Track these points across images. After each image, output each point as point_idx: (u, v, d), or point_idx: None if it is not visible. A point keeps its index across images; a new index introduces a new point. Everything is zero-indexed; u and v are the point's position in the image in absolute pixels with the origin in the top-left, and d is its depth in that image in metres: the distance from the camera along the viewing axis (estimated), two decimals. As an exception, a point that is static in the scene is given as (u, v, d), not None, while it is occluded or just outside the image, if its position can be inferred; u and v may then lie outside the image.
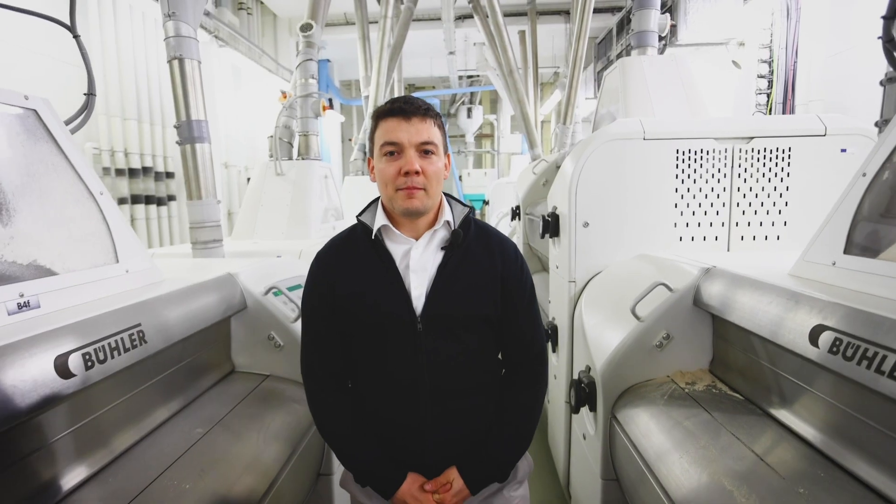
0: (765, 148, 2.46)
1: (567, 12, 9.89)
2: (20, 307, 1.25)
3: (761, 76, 5.99)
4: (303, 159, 3.99)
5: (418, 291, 1.39)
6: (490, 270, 1.44)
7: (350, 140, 10.11)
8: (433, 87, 16.63)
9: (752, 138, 2.47)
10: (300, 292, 2.26)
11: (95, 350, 1.23)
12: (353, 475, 1.51)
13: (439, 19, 9.97)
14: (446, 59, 11.48)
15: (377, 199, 1.47)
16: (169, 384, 1.69)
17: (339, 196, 4.38)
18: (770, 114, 5.79)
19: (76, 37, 1.86)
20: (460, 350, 1.43)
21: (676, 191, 2.51)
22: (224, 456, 1.53)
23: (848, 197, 1.40)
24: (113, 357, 1.29)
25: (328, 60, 13.06)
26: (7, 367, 1.02)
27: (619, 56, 8.66)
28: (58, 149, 1.47)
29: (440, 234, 1.44)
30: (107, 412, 1.38)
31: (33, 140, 1.40)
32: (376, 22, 7.18)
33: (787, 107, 5.70)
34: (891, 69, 1.50)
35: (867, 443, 1.15)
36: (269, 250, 2.97)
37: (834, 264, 1.40)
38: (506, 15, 7.76)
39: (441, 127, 1.42)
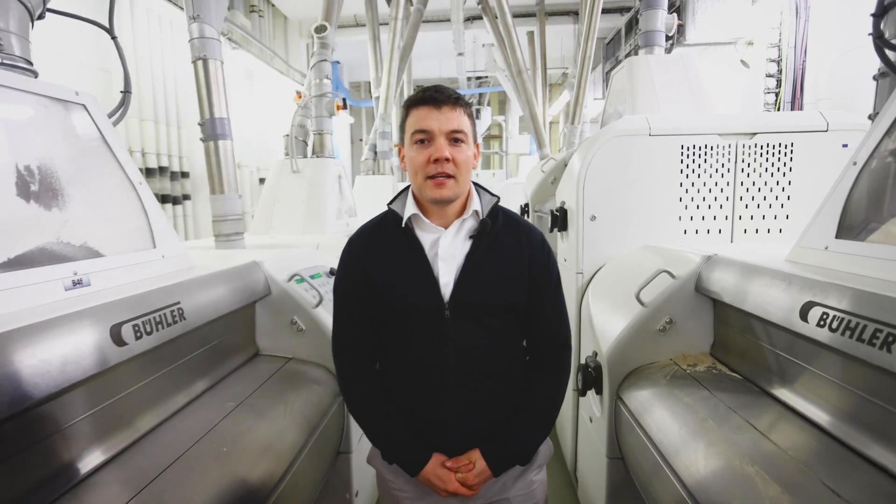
0: (768, 143, 2.55)
1: (576, 13, 9.98)
2: (74, 284, 1.36)
3: (770, 75, 6.05)
4: (318, 157, 4.11)
5: (446, 279, 1.42)
6: (517, 259, 1.46)
7: (361, 140, 10.24)
8: (442, 88, 16.75)
9: (755, 134, 2.56)
10: (321, 280, 2.38)
11: (143, 323, 1.35)
12: (381, 453, 1.55)
13: (448, 20, 10.08)
14: (455, 61, 11.58)
15: (407, 187, 1.51)
16: (199, 364, 1.80)
17: (352, 194, 4.50)
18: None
19: (114, 38, 1.98)
20: (486, 337, 1.45)
21: (681, 185, 2.61)
22: (250, 431, 1.64)
23: (840, 185, 1.49)
24: (157, 330, 1.40)
25: (338, 62, 13.21)
26: (71, 334, 1.14)
27: (627, 56, 8.75)
28: (103, 141, 1.59)
29: (469, 223, 1.47)
30: (144, 386, 1.49)
31: (83, 133, 1.52)
32: (386, 23, 7.31)
33: (796, 105, 5.77)
34: (883, 65, 1.59)
35: (853, 410, 1.24)
36: (287, 244, 3.09)
37: (827, 248, 1.50)
38: (515, 16, 7.86)
39: (471, 116, 1.44)
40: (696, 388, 1.73)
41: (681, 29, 6.27)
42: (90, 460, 1.24)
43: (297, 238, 3.44)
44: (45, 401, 1.09)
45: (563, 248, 2.98)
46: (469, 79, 15.05)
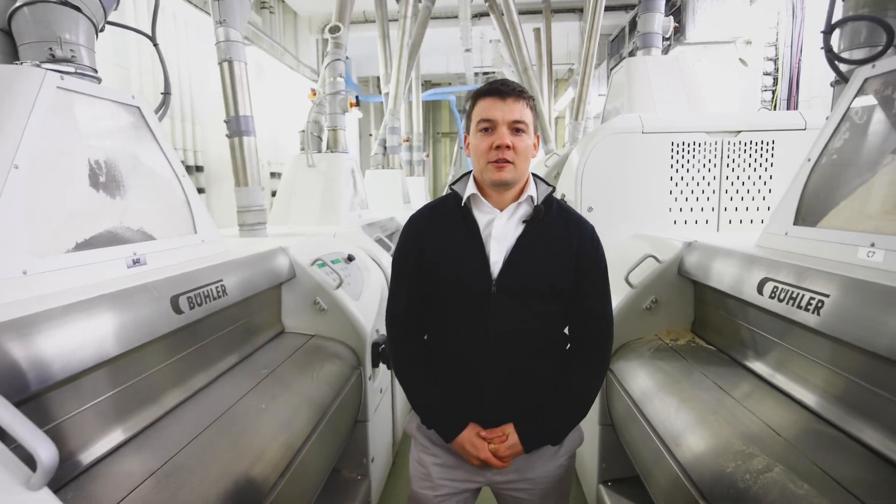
0: (751, 141, 2.75)
1: (581, 10, 10.14)
2: (134, 262, 1.59)
3: (767, 73, 6.22)
4: (332, 152, 4.33)
5: (496, 258, 1.50)
6: (566, 247, 1.52)
7: (370, 135, 10.44)
8: (449, 84, 16.93)
9: (739, 132, 2.77)
10: (340, 265, 2.61)
11: (194, 296, 1.58)
12: (420, 418, 1.64)
13: (456, 17, 10.26)
14: (463, 57, 11.76)
15: (469, 171, 1.60)
16: (234, 338, 2.03)
17: (363, 187, 4.72)
18: (775, 110, 6.03)
19: (156, 45, 2.20)
20: (528, 317, 1.51)
21: (671, 179, 2.81)
22: (281, 395, 1.86)
23: (797, 179, 1.70)
24: (205, 303, 1.63)
25: (347, 57, 13.43)
26: (141, 304, 1.37)
27: (631, 53, 8.93)
28: (153, 138, 1.81)
29: (523, 208, 1.54)
30: (184, 357, 1.71)
31: (137, 131, 1.74)
32: (395, 20, 7.51)
33: (791, 103, 5.94)
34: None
35: (792, 365, 1.46)
36: (304, 233, 3.31)
37: (787, 234, 1.70)
38: (521, 13, 8.03)
39: (533, 109, 1.51)
40: (676, 359, 1.95)
41: (681, 28, 6.43)
42: (168, 401, 1.48)
43: (313, 228, 3.67)
44: (123, 356, 1.32)
45: (563, 237, 3.19)
46: (476, 74, 15.21)
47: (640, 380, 1.94)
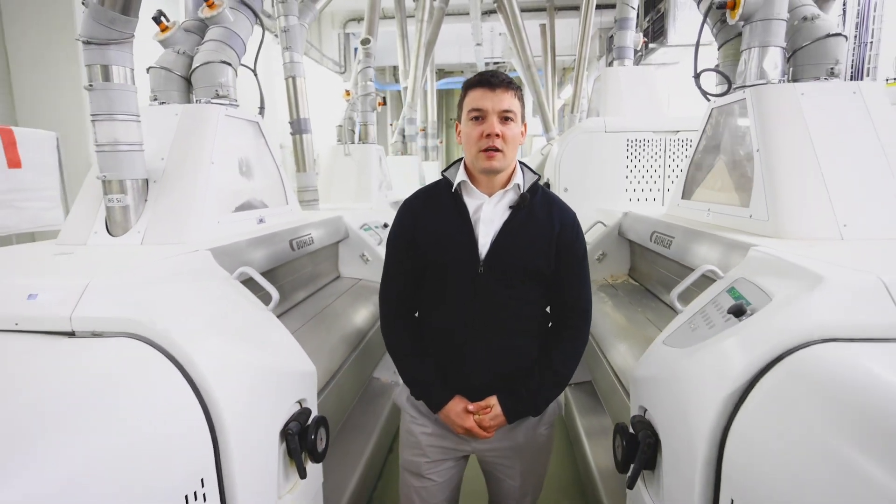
0: (687, 138, 3.65)
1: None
2: (259, 221, 2.54)
3: (742, 71, 7.02)
4: (363, 143, 5.26)
5: (484, 240, 1.60)
6: (548, 232, 1.61)
7: (391, 125, 11.20)
8: (461, 73, 17.73)
9: (678, 131, 3.66)
10: (378, 229, 3.55)
11: (297, 241, 2.53)
12: (410, 390, 1.77)
13: (467, 14, 11.08)
14: (474, 50, 12.57)
15: (461, 158, 1.69)
16: (310, 278, 2.98)
17: (388, 172, 5.65)
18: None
19: (255, 74, 3.12)
20: (512, 295, 1.62)
21: (627, 167, 3.72)
22: (341, 315, 2.80)
23: (686, 167, 2.61)
24: (304, 247, 2.58)
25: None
26: (277, 242, 2.31)
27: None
28: (265, 142, 2.74)
29: (510, 195, 1.64)
30: (291, 280, 2.67)
31: (256, 138, 2.68)
32: (412, 16, 8.38)
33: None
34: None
35: (670, 284, 2.38)
36: (346, 208, 4.25)
37: (678, 205, 2.62)
38: (527, 10, 8.85)
39: (521, 98, 1.60)
40: (615, 293, 2.88)
41: (664, 31, 7.26)
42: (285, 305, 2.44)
43: (351, 205, 4.62)
44: (270, 271, 2.27)
45: (547, 212, 4.13)
46: (486, 64, 16.00)
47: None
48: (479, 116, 1.56)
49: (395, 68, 15.16)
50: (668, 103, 4.62)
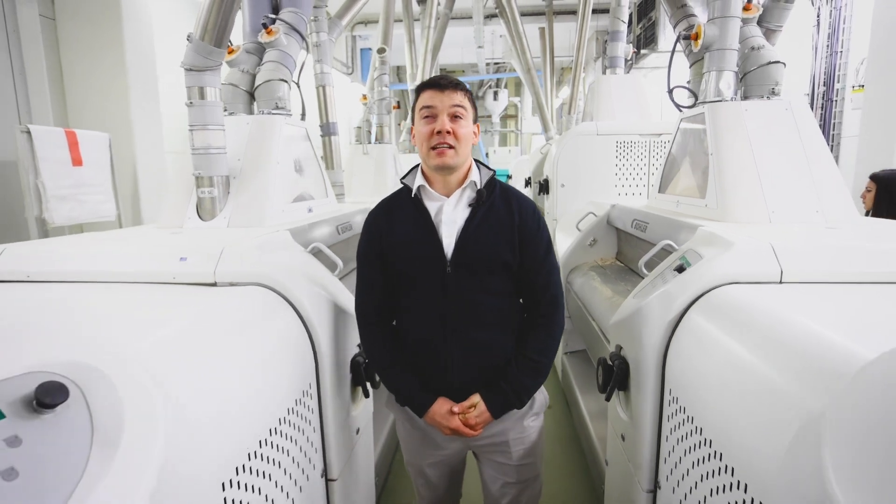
0: (669, 140, 4.17)
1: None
2: (309, 211, 3.07)
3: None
4: (379, 143, 5.78)
5: (448, 240, 1.64)
6: (509, 224, 1.66)
7: (399, 125, 11.70)
8: (463, 73, 18.26)
9: (661, 134, 4.20)
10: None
11: (341, 227, 3.07)
12: (395, 397, 1.81)
13: (470, 18, 11.60)
14: (476, 52, 13.10)
15: (418, 164, 1.74)
16: (346, 259, 3.51)
17: (401, 169, 6.18)
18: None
19: (298, 87, 3.64)
20: (482, 290, 1.66)
21: (616, 165, 4.26)
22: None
23: (662, 165, 3.15)
24: (345, 232, 3.12)
25: (370, 49, 14.78)
26: (326, 227, 2.85)
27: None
28: (310, 144, 3.27)
29: (468, 193, 1.68)
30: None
31: (304, 140, 3.21)
32: (418, 20, 8.90)
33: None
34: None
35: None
36: (368, 202, 4.78)
37: (655, 198, 3.15)
38: (527, 14, 9.34)
39: (471, 100, 1.66)
40: (602, 273, 3.42)
41: (654, 38, 7.79)
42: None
43: (370, 199, 5.14)
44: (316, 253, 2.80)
45: (546, 205, 4.67)
46: (488, 64, 16.54)
47: (584, 287, 3.41)
48: (430, 115, 1.61)
49: (398, 68, 15.69)
50: (660, 103, 5.17)
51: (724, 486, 1.22)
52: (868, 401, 0.83)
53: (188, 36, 2.34)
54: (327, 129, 4.46)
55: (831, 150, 5.94)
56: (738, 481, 1.14)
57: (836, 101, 6.11)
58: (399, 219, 1.72)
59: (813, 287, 1.55)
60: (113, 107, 5.22)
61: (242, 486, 1.26)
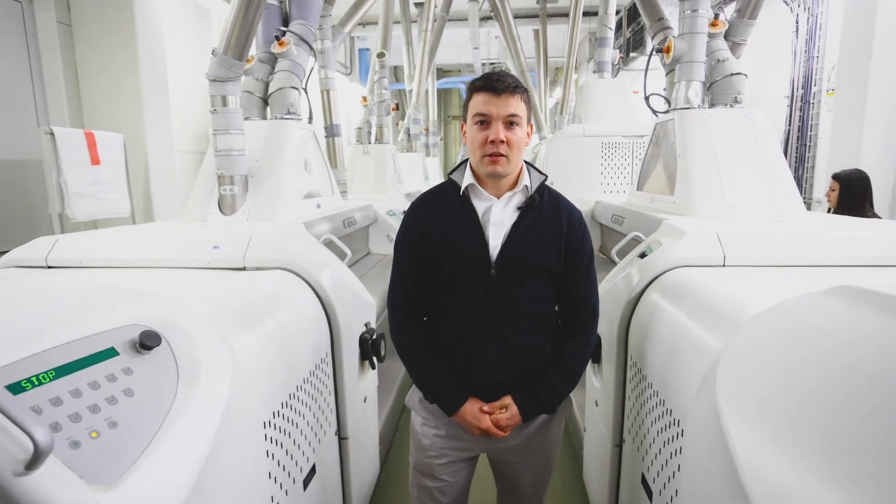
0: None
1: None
2: (317, 206, 3.36)
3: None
4: (379, 143, 6.07)
5: (495, 242, 1.61)
6: (556, 232, 1.64)
7: (397, 125, 11.99)
8: (459, 72, 18.54)
9: (643, 135, 4.50)
10: (400, 215, 4.38)
11: (346, 221, 3.36)
12: (423, 393, 1.75)
13: (466, 20, 11.88)
14: (471, 52, 13.38)
15: (466, 160, 1.69)
16: (352, 251, 3.81)
17: (400, 168, 6.47)
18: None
19: (305, 93, 3.92)
20: (524, 294, 1.63)
21: (601, 164, 4.57)
22: (376, 277, 3.62)
23: (640, 165, 3.45)
24: (351, 226, 3.41)
25: (367, 49, 15.05)
26: (335, 221, 3.14)
27: (616, 49, 10.64)
28: (317, 144, 3.56)
29: (518, 196, 1.65)
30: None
31: (311, 141, 3.50)
32: (415, 21, 9.18)
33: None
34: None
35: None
36: (369, 199, 5.08)
37: (634, 195, 3.45)
38: (522, 17, 9.62)
39: (527, 102, 1.60)
40: (585, 262, 3.72)
41: (643, 42, 8.10)
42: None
43: (372, 196, 5.44)
44: (327, 244, 3.09)
45: (536, 202, 4.97)
46: (483, 64, 16.82)
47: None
48: (484, 121, 1.56)
49: (395, 68, 15.95)
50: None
51: (665, 425, 1.52)
52: (751, 341, 1.13)
53: (213, 50, 2.63)
54: (331, 131, 4.75)
55: (808, 150, 6.29)
56: (674, 419, 1.45)
57: (812, 103, 6.43)
58: (444, 213, 1.68)
59: (750, 269, 1.86)
60: (126, 108, 5.50)
61: (277, 428, 1.56)
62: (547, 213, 1.66)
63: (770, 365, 1.04)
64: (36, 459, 0.81)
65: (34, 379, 0.92)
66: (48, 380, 0.94)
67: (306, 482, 1.79)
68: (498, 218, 1.63)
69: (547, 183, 1.76)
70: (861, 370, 0.84)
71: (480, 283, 1.62)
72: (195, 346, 1.23)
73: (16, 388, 0.88)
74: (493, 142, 1.54)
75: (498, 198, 1.64)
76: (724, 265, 1.90)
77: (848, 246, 1.92)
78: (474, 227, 1.63)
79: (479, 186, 1.65)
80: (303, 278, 2.06)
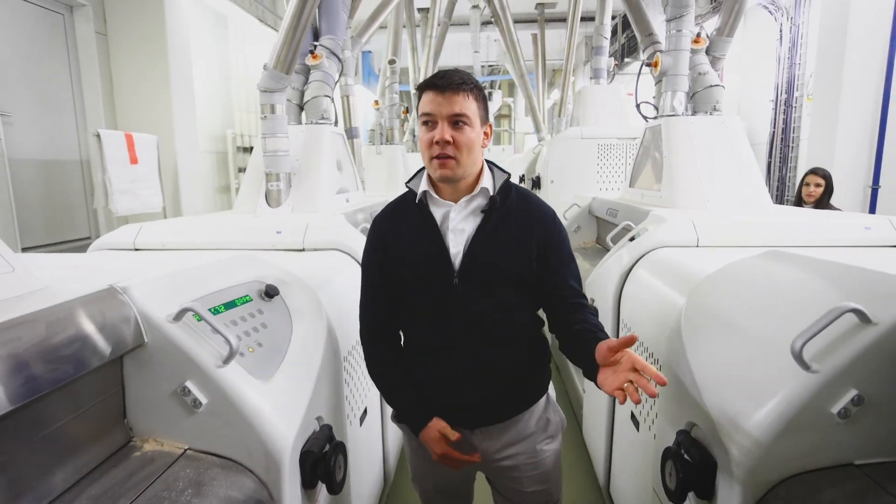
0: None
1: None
2: (346, 201, 3.79)
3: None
4: (390, 144, 6.50)
5: (456, 250, 1.51)
6: (526, 234, 1.52)
7: (402, 125, 12.42)
8: (459, 74, 18.98)
9: (635, 138, 4.94)
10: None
11: (372, 213, 3.78)
12: (394, 413, 1.71)
13: (467, 24, 12.33)
14: (472, 56, 13.82)
15: (423, 167, 1.58)
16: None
17: (408, 166, 6.91)
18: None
19: (331, 100, 4.34)
20: (493, 303, 1.53)
21: (598, 164, 5.01)
22: None
23: (633, 164, 3.89)
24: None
25: (370, 52, 15.48)
26: (364, 212, 3.57)
27: (612, 55, 11.07)
28: (345, 146, 3.98)
29: (478, 199, 1.54)
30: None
31: (343, 143, 3.92)
32: (419, 26, 9.63)
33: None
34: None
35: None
36: (382, 196, 5.50)
37: (627, 191, 3.89)
38: (521, 21, 10.04)
39: (478, 99, 1.48)
40: (584, 253, 4.16)
41: (636, 47, 8.55)
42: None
43: (385, 193, 5.87)
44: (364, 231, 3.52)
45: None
46: (483, 66, 17.27)
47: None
48: (429, 121, 1.46)
49: (397, 69, 16.38)
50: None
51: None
52: (704, 296, 1.57)
53: (264, 65, 3.06)
54: (350, 133, 5.18)
55: (791, 151, 6.75)
56: (655, 360, 1.89)
57: (795, 107, 6.89)
58: (404, 224, 1.60)
59: (718, 249, 2.30)
60: (156, 112, 5.93)
61: (348, 364, 2.00)
62: (516, 213, 1.55)
63: (716, 306, 1.48)
64: (230, 357, 1.25)
65: (220, 307, 1.36)
66: (223, 310, 1.39)
67: (361, 419, 2.22)
68: (457, 224, 1.53)
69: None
70: (779, 303, 1.29)
71: (444, 295, 1.52)
72: (300, 297, 1.67)
73: (214, 312, 1.32)
74: (437, 142, 1.44)
75: (456, 203, 1.53)
76: (697, 246, 2.34)
77: (799, 230, 2.37)
78: (434, 237, 1.53)
79: (433, 193, 1.55)
80: (352, 256, 2.49)
